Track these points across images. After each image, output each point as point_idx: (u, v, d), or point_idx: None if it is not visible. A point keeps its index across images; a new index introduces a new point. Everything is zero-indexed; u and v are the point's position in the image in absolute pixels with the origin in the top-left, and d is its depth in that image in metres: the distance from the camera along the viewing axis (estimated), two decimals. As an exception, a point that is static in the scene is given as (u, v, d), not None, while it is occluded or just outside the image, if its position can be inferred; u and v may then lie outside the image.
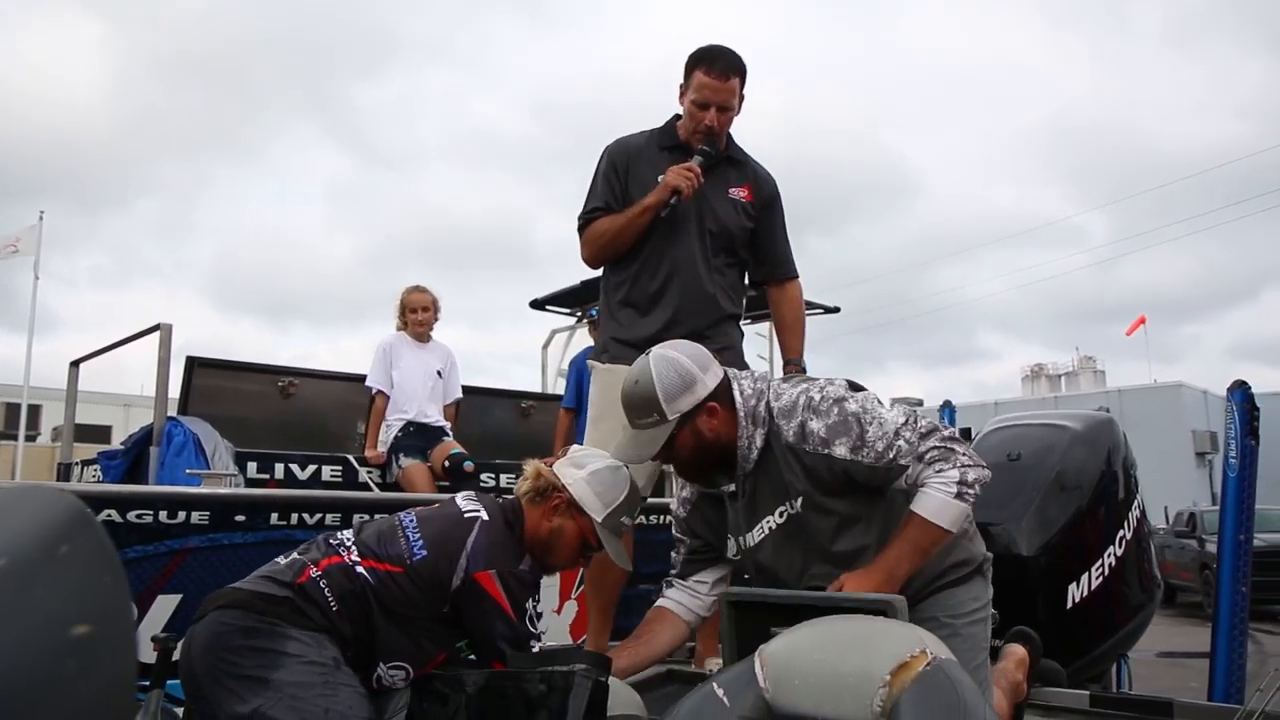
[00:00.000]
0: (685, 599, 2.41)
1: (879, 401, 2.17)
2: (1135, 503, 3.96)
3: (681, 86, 3.17)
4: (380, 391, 4.94)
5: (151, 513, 3.30)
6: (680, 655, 3.31)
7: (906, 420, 2.09)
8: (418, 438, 4.89)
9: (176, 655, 2.21)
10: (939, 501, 2.03)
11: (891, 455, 2.05)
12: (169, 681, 2.26)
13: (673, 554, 2.48)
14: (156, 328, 4.15)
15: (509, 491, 4.99)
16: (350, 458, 4.80)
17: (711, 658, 3.16)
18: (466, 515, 2.23)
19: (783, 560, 2.20)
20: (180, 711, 2.26)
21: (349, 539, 2.22)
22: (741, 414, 2.16)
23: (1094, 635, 3.66)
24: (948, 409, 5.95)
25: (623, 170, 3.20)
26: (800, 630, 1.75)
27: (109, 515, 3.12)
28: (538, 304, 7.28)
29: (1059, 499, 3.71)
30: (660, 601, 2.44)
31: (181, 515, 3.36)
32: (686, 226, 3.14)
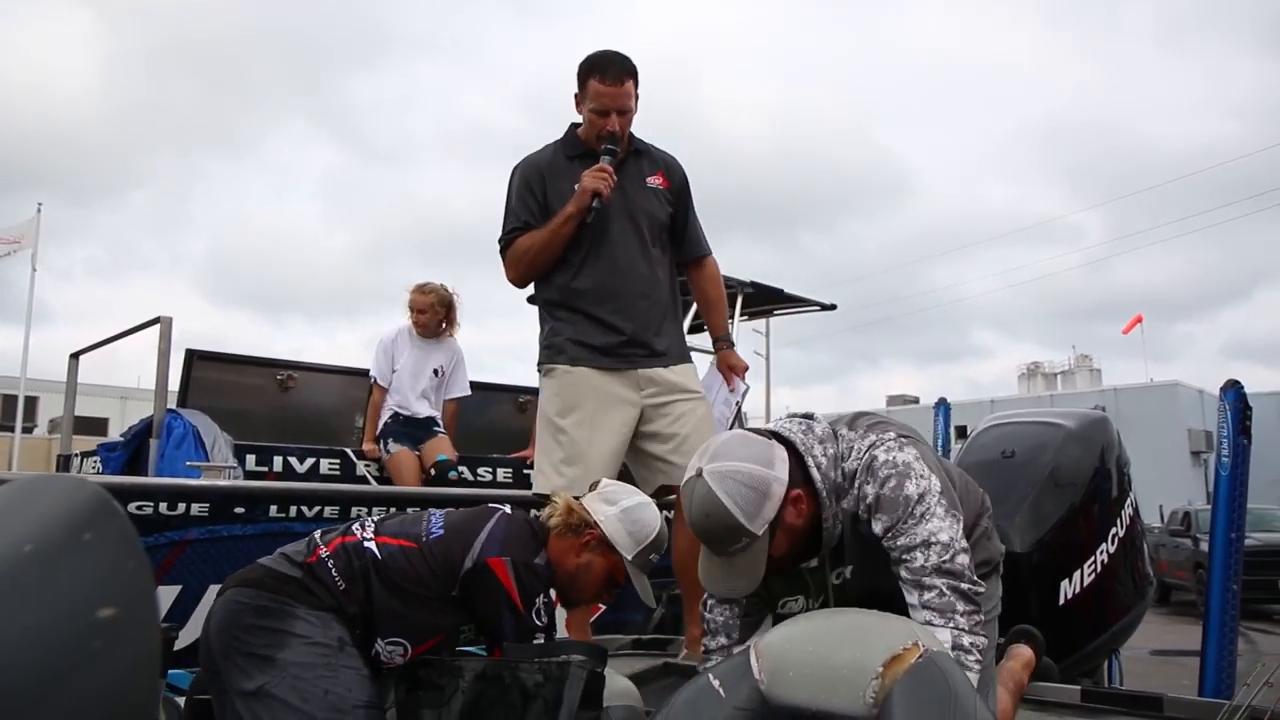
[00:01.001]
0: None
1: (941, 497, 1.97)
2: (1128, 500, 3.99)
3: (577, 96, 3.21)
4: (378, 384, 4.98)
5: (151, 504, 3.32)
6: (676, 648, 3.34)
7: (948, 542, 1.91)
8: (408, 426, 4.93)
9: (179, 645, 2.24)
10: None
11: (902, 560, 1.93)
12: (171, 671, 2.29)
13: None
14: (157, 320, 4.17)
15: (506, 486, 5.05)
16: (349, 451, 4.82)
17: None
18: (490, 507, 2.29)
19: None
20: (181, 701, 2.29)
21: (370, 521, 2.27)
22: (824, 492, 1.98)
23: (1086, 631, 3.70)
24: (943, 406, 5.98)
25: (538, 186, 3.22)
26: (795, 622, 1.78)
27: (110, 507, 3.14)
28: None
29: (1053, 496, 3.74)
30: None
31: (181, 507, 3.38)
32: (620, 223, 3.18)
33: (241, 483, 4.04)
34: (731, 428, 3.65)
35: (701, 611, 2.31)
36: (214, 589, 3.35)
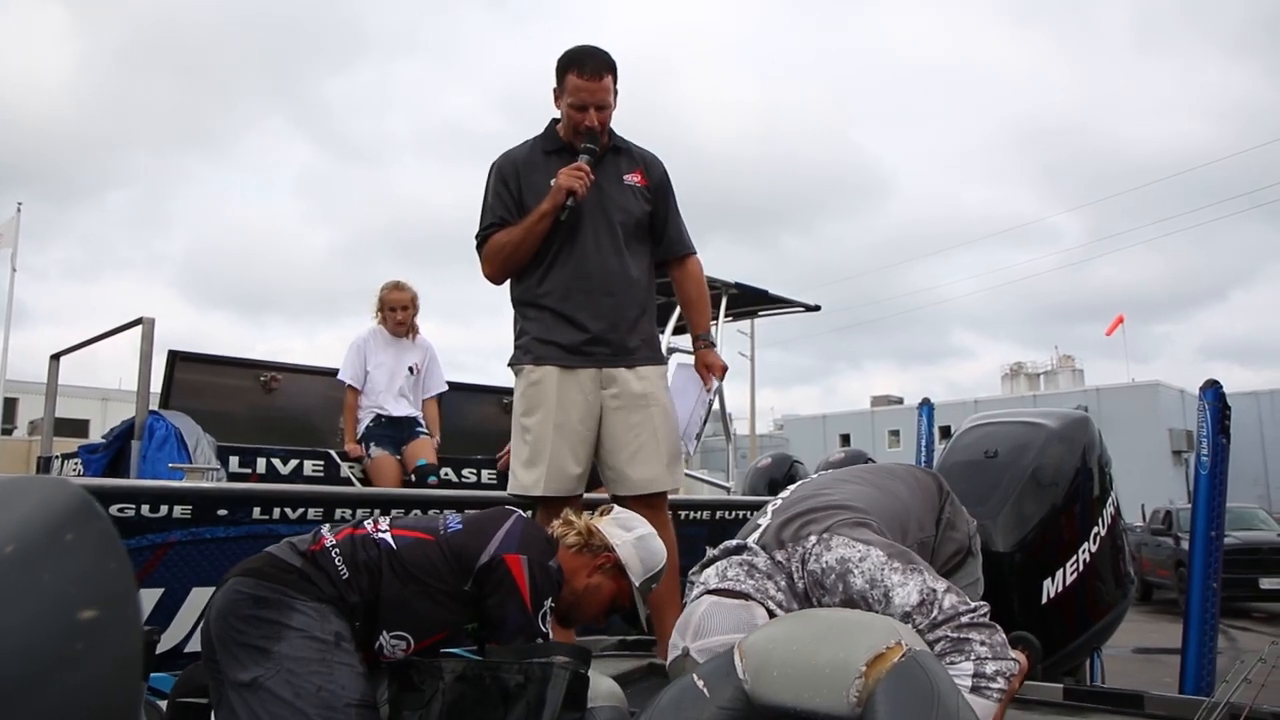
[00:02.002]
0: None
1: (889, 565, 1.98)
2: (1110, 500, 4.02)
3: (555, 91, 3.20)
4: (351, 386, 4.97)
5: (134, 507, 3.30)
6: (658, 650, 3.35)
7: (921, 600, 1.91)
8: (389, 428, 4.94)
9: (161, 648, 2.23)
10: None
11: None
12: (153, 674, 2.28)
13: None
14: (139, 321, 4.14)
15: (490, 487, 5.04)
16: (332, 452, 4.81)
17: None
18: (507, 509, 2.33)
19: None
20: (164, 705, 2.28)
21: (384, 518, 2.29)
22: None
23: (1068, 630, 3.73)
24: (926, 407, 6.01)
25: (514, 182, 3.21)
26: (779, 623, 1.79)
27: (91, 509, 3.12)
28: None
29: (1035, 496, 3.77)
30: None
31: (164, 509, 3.36)
32: (594, 221, 3.17)
33: (224, 485, 4.01)
34: (704, 428, 3.67)
35: None
36: (197, 591, 3.34)
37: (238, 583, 2.10)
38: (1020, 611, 3.53)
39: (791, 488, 2.43)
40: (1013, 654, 1.92)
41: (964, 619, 1.89)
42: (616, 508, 2.54)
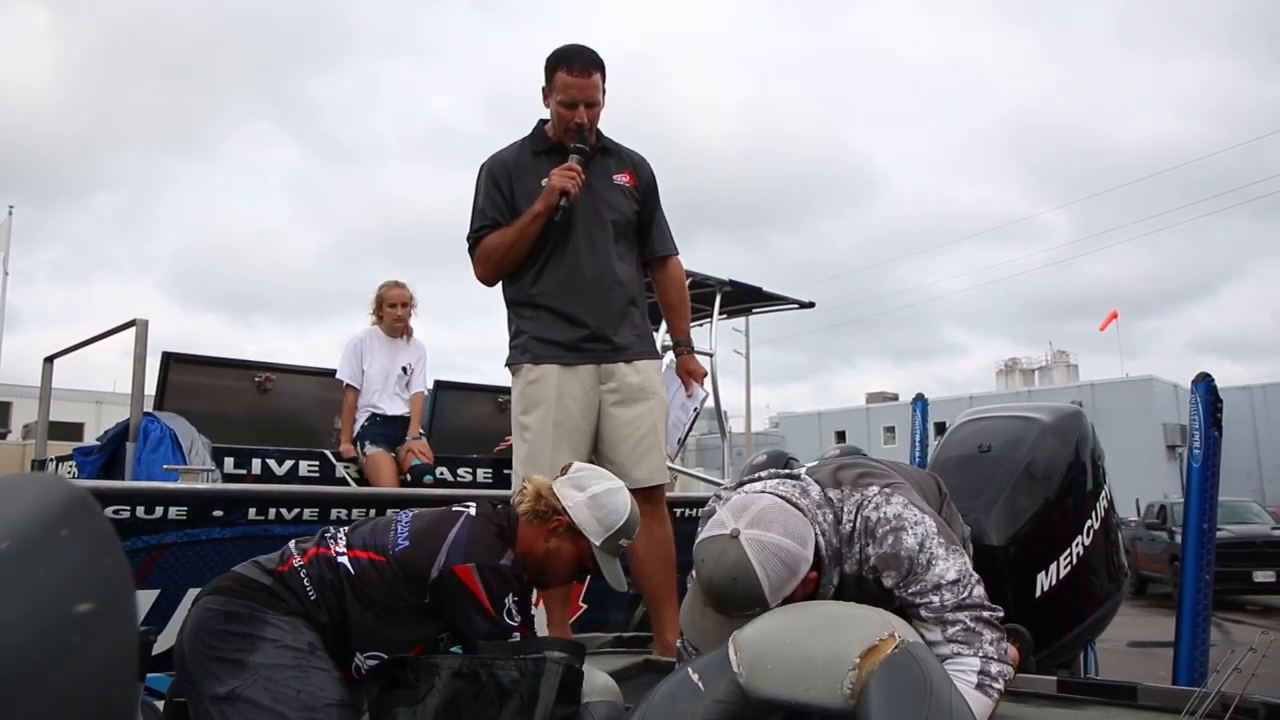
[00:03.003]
0: None
1: (939, 538, 2.04)
2: (1103, 493, 4.03)
3: (544, 89, 3.20)
4: (350, 385, 4.98)
5: (129, 508, 3.30)
6: (654, 646, 3.35)
7: (958, 579, 1.98)
8: (384, 427, 4.95)
9: (158, 649, 2.24)
10: None
11: (917, 604, 1.98)
12: (150, 675, 2.28)
13: None
14: (133, 323, 4.14)
15: (485, 486, 5.05)
16: (327, 453, 4.81)
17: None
18: (455, 510, 2.27)
19: None
20: (160, 704, 2.28)
21: (343, 532, 2.26)
22: (826, 562, 2.02)
23: (1062, 623, 3.73)
24: (920, 402, 6.02)
25: (505, 183, 3.21)
26: (772, 616, 1.80)
27: (86, 511, 3.12)
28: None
29: (1028, 490, 3.77)
30: None
31: (159, 511, 3.36)
32: (585, 220, 3.18)
33: (220, 486, 4.02)
34: (687, 435, 3.67)
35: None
36: (193, 593, 3.34)
37: (208, 601, 2.12)
38: (1014, 605, 3.53)
39: (811, 464, 2.40)
40: (1010, 665, 1.98)
41: (985, 614, 1.97)
42: (576, 464, 2.48)
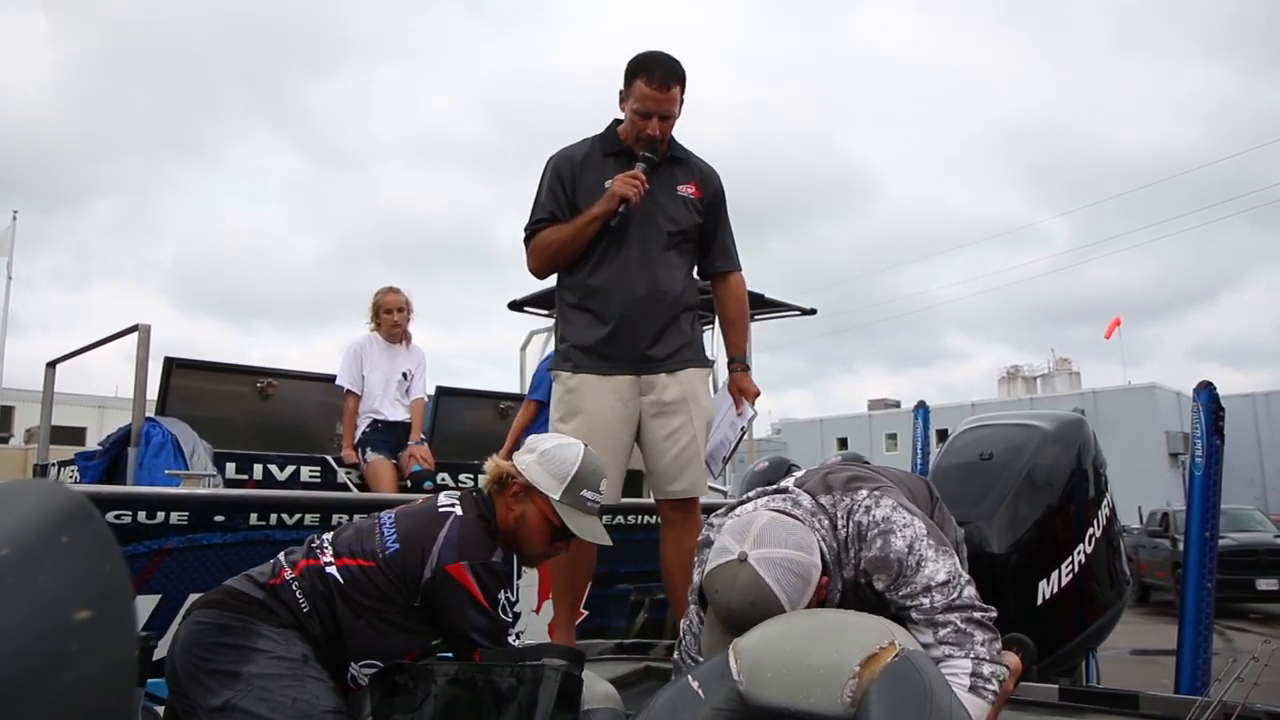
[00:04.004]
0: None
1: (929, 539, 2.06)
2: (1105, 501, 4.02)
3: (622, 93, 3.18)
4: (351, 391, 4.98)
5: (130, 513, 3.31)
6: (659, 652, 3.35)
7: (948, 580, 2.00)
8: (385, 433, 4.96)
9: (158, 654, 2.24)
10: None
11: (908, 606, 2.00)
12: (150, 680, 2.28)
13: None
14: (135, 328, 4.15)
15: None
16: (329, 458, 4.82)
17: None
18: (441, 510, 2.26)
19: None
20: (161, 710, 2.28)
21: (328, 540, 2.25)
22: (832, 565, 2.03)
23: (1064, 631, 3.73)
24: (921, 410, 6.01)
25: (569, 179, 3.20)
26: (773, 623, 1.79)
27: (88, 516, 3.12)
28: (516, 305, 7.28)
29: (1030, 497, 3.77)
30: None
31: (160, 516, 3.37)
32: (641, 228, 3.16)
33: (221, 491, 4.02)
34: (733, 453, 3.65)
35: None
36: (194, 598, 3.35)
37: (200, 614, 2.12)
38: (1016, 613, 3.53)
39: (799, 473, 2.41)
40: (1005, 659, 1.97)
41: (976, 614, 1.97)
42: (531, 435, 2.53)
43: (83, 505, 0.69)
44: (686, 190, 3.26)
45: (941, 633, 1.95)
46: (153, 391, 4.83)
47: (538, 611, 4.33)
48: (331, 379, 5.21)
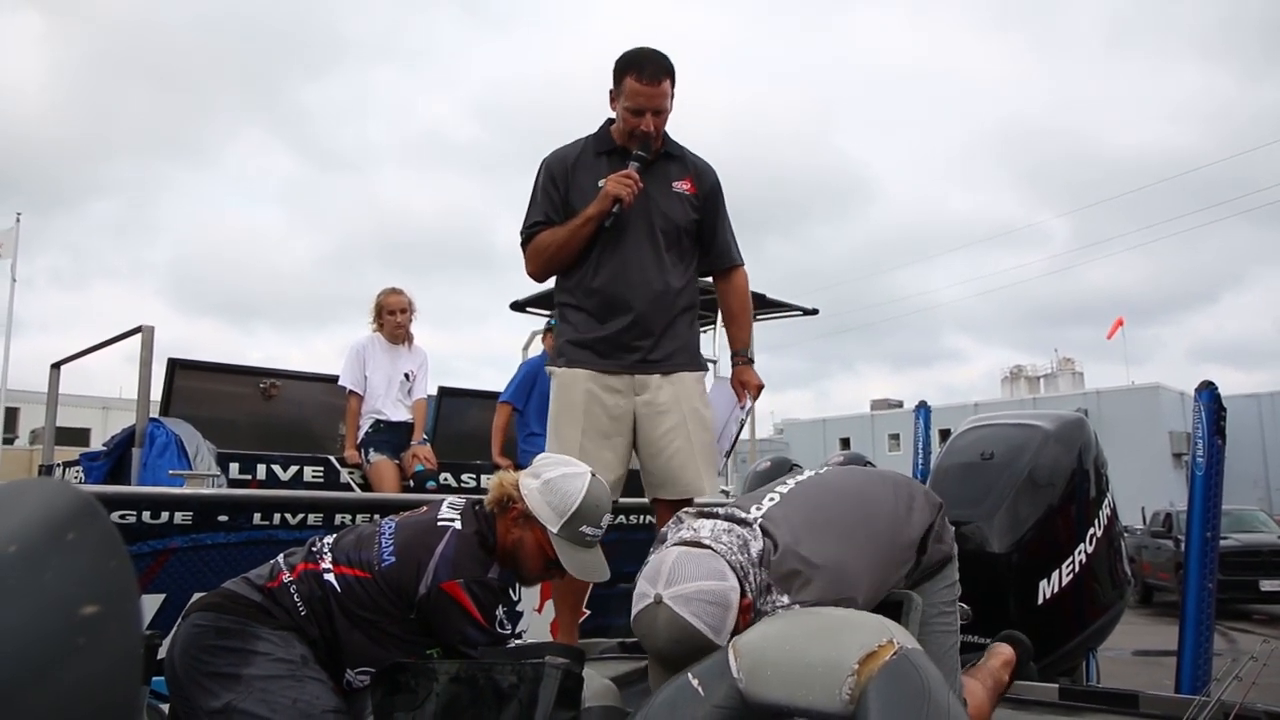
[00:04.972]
0: None
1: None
2: (1106, 501, 4.03)
3: (612, 92, 3.17)
4: (354, 392, 5.00)
5: (135, 513, 3.33)
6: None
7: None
8: (388, 434, 4.97)
9: (162, 654, 2.25)
10: None
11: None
12: (155, 678, 2.30)
13: None
14: (139, 330, 4.17)
15: (488, 492, 5.06)
16: (332, 458, 4.83)
17: None
18: (440, 524, 2.23)
19: None
20: (166, 708, 2.29)
21: (328, 545, 2.25)
22: (753, 584, 1.98)
23: (1064, 631, 3.74)
24: (923, 410, 6.03)
25: (562, 181, 3.20)
26: (772, 621, 1.81)
27: (92, 516, 3.14)
28: (518, 306, 7.29)
29: (1031, 497, 3.78)
30: None
31: (165, 516, 3.38)
32: (637, 226, 3.16)
33: (225, 491, 4.04)
34: (734, 446, 3.65)
35: None
36: (197, 598, 3.37)
37: (198, 617, 2.12)
38: (1016, 612, 3.54)
39: (799, 478, 2.37)
40: (996, 650, 1.94)
41: None
42: (542, 455, 2.47)
43: (89, 503, 0.70)
44: (682, 187, 3.26)
45: None
46: (156, 392, 4.86)
47: (540, 611, 4.34)
48: (334, 379, 5.23)
